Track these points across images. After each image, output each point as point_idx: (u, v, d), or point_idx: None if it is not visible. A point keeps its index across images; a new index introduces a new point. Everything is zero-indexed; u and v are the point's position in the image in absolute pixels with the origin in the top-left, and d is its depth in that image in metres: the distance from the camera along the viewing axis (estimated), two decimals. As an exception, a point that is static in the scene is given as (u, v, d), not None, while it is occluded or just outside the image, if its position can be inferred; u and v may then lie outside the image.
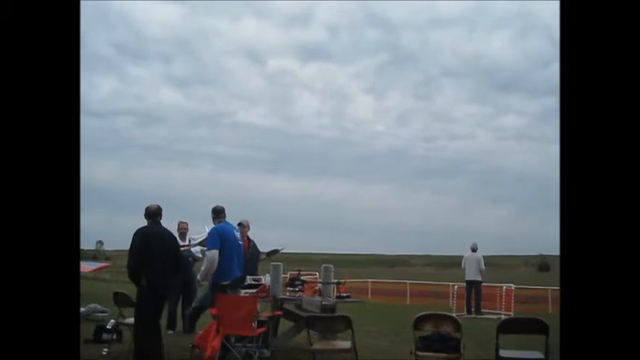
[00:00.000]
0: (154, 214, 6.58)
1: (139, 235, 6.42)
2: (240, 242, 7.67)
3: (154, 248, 6.35)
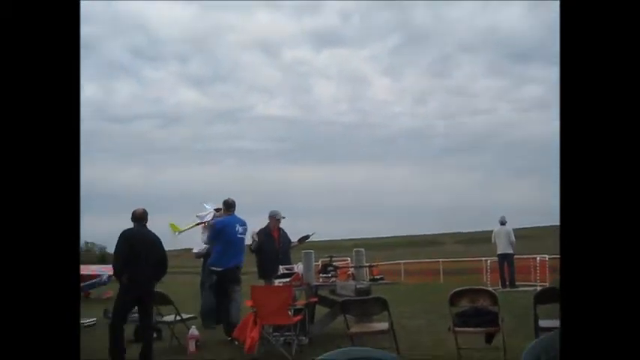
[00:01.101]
0: (139, 217, 6.99)
1: (124, 237, 6.81)
2: (241, 236, 8.07)
3: (138, 249, 6.74)
